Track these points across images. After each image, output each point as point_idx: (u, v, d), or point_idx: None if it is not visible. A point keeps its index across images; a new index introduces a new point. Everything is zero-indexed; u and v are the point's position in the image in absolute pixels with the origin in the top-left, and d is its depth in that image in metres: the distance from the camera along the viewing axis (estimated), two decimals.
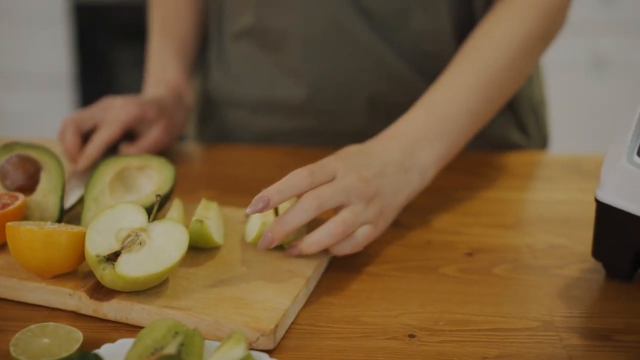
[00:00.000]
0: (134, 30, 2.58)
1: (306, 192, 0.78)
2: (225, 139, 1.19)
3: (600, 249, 0.81)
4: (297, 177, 0.77)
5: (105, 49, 2.92)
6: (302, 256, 0.80)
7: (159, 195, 0.78)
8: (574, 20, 2.54)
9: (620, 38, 2.64)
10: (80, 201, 0.88)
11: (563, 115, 2.50)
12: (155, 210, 0.77)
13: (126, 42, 2.92)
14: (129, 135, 1.05)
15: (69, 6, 2.82)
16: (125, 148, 1.04)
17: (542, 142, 1.22)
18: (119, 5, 2.88)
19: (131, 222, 0.74)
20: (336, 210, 0.80)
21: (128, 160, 0.88)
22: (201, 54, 1.21)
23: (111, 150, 1.04)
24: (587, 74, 2.64)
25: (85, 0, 2.86)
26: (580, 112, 2.59)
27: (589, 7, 2.63)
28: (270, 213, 0.83)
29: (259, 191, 0.78)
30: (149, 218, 0.75)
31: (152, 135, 1.04)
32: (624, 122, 0.78)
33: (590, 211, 0.81)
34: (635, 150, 0.77)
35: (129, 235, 0.73)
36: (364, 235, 0.80)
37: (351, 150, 0.85)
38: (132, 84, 2.56)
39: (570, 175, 1.07)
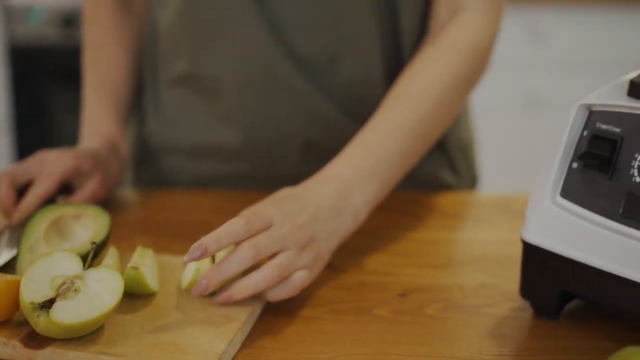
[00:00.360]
0: (71, 74, 2.58)
1: (243, 240, 0.79)
2: (161, 184, 1.20)
3: (527, 287, 0.83)
4: (235, 225, 0.79)
5: (43, 92, 2.91)
6: (237, 301, 0.81)
7: (94, 243, 0.79)
8: (506, 59, 2.61)
9: (553, 76, 2.70)
10: (14, 258, 0.88)
11: (496, 153, 2.55)
12: (90, 257, 0.77)
13: (63, 85, 2.92)
14: (65, 188, 1.04)
15: (5, 49, 2.81)
16: (61, 202, 1.04)
17: (472, 181, 1.25)
18: (56, 49, 2.88)
19: (66, 270, 0.75)
20: (271, 255, 0.82)
21: (64, 209, 0.89)
22: (136, 100, 1.22)
23: (47, 204, 1.04)
24: (519, 112, 2.69)
25: (22, 43, 2.85)
26: (514, 150, 2.64)
27: (521, 46, 2.69)
28: (205, 259, 0.85)
29: (195, 236, 0.79)
30: (84, 266, 0.76)
31: (89, 188, 1.04)
32: (546, 161, 0.81)
33: (519, 250, 0.83)
34: (558, 191, 0.80)
35: (64, 283, 0.74)
36: (300, 279, 0.82)
37: (286, 195, 0.87)
38: (70, 127, 2.55)
39: (499, 215, 1.09)
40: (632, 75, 0.81)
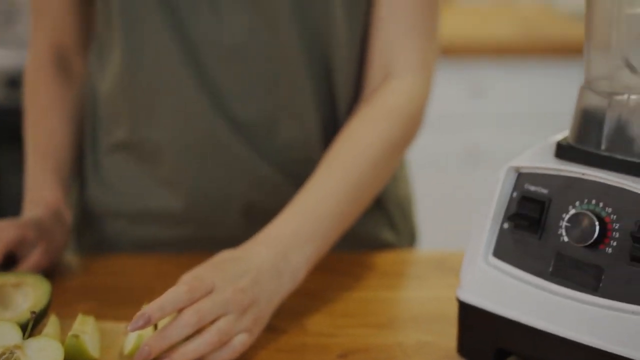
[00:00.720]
0: (15, 134, 2.56)
1: (186, 307, 0.81)
2: (103, 249, 1.20)
3: (464, 346, 0.85)
4: (177, 293, 0.81)
5: None
6: None
7: (33, 312, 0.80)
8: (446, 114, 2.65)
9: (493, 131, 2.74)
10: None
11: (438, 208, 2.57)
12: (30, 327, 0.78)
13: (8, 146, 2.90)
14: (9, 258, 1.04)
15: None
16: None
17: (411, 238, 1.27)
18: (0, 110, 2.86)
19: (6, 340, 0.75)
20: (213, 319, 0.83)
21: (3, 278, 0.89)
22: (77, 165, 1.22)
23: None
24: (460, 167, 2.72)
25: None
26: (456, 204, 2.67)
27: (460, 101, 2.73)
28: None
29: (139, 301, 0.81)
30: (24, 335, 0.76)
31: (33, 258, 1.03)
32: (479, 222, 0.84)
33: (456, 308, 0.85)
34: (491, 251, 0.82)
35: (3, 353, 0.74)
36: (240, 343, 0.84)
37: (226, 258, 0.89)
38: (15, 189, 2.53)
39: (438, 272, 1.11)
40: (559, 136, 0.84)
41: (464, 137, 2.74)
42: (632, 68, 0.81)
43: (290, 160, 1.12)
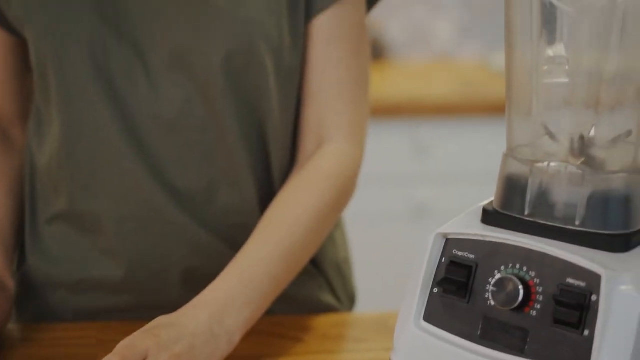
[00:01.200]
0: None
1: None
2: (44, 319, 1.20)
3: None
4: None
5: None
6: None
7: None
8: (390, 172, 2.67)
9: (437, 187, 2.77)
10: None
11: (380, 267, 2.58)
12: None
13: None
14: None
15: None
16: None
17: (350, 302, 1.29)
18: None
19: None
20: None
21: None
22: (19, 235, 1.22)
23: None
24: (405, 224, 2.74)
25: None
26: (397, 263, 2.69)
27: (402, 158, 2.76)
28: None
29: None
30: None
31: None
32: (410, 287, 0.86)
33: None
34: (422, 315, 0.84)
35: None
36: None
37: (162, 324, 0.91)
38: None
39: (378, 334, 1.13)
40: (485, 202, 0.87)
41: (408, 195, 2.77)
42: (551, 135, 0.84)
43: (228, 226, 1.14)
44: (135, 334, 0.89)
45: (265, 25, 1.08)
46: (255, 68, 1.09)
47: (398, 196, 2.76)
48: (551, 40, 0.84)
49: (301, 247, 1.06)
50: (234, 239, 1.13)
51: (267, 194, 1.14)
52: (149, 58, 1.06)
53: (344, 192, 1.11)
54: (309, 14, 1.12)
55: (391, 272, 2.64)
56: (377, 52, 3.03)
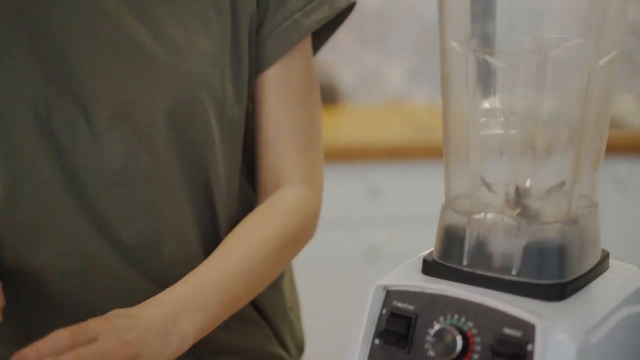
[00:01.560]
0: None
1: (66, 351, 0.82)
2: None
3: None
4: (58, 336, 0.83)
5: None
6: None
7: None
8: (344, 215, 2.68)
9: (389, 230, 2.79)
10: None
11: (333, 310, 2.58)
12: None
13: None
14: None
15: None
16: None
17: (298, 349, 1.30)
18: None
19: None
20: None
21: None
22: None
23: None
24: (358, 267, 2.75)
25: None
26: (349, 306, 2.70)
27: (356, 202, 2.77)
28: None
29: None
30: None
31: None
32: (352, 337, 0.87)
33: None
34: None
35: None
36: None
37: (118, 313, 0.94)
38: None
39: None
40: (425, 253, 0.88)
41: (361, 238, 2.78)
42: (488, 187, 0.86)
43: (174, 276, 1.13)
44: (90, 319, 0.90)
45: (208, 79, 1.09)
46: (198, 120, 1.09)
47: (350, 239, 2.78)
48: (486, 93, 0.86)
49: (259, 271, 1.09)
50: None
51: (212, 242, 1.14)
52: (93, 113, 1.06)
53: (305, 227, 1.15)
54: (258, 68, 1.14)
55: (342, 318, 2.64)
56: (329, 96, 3.05)
